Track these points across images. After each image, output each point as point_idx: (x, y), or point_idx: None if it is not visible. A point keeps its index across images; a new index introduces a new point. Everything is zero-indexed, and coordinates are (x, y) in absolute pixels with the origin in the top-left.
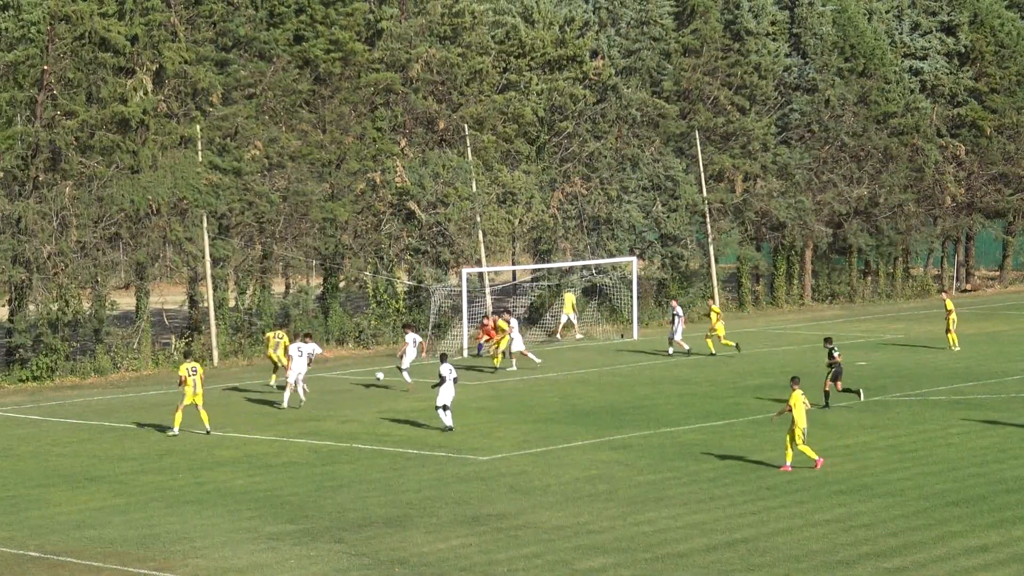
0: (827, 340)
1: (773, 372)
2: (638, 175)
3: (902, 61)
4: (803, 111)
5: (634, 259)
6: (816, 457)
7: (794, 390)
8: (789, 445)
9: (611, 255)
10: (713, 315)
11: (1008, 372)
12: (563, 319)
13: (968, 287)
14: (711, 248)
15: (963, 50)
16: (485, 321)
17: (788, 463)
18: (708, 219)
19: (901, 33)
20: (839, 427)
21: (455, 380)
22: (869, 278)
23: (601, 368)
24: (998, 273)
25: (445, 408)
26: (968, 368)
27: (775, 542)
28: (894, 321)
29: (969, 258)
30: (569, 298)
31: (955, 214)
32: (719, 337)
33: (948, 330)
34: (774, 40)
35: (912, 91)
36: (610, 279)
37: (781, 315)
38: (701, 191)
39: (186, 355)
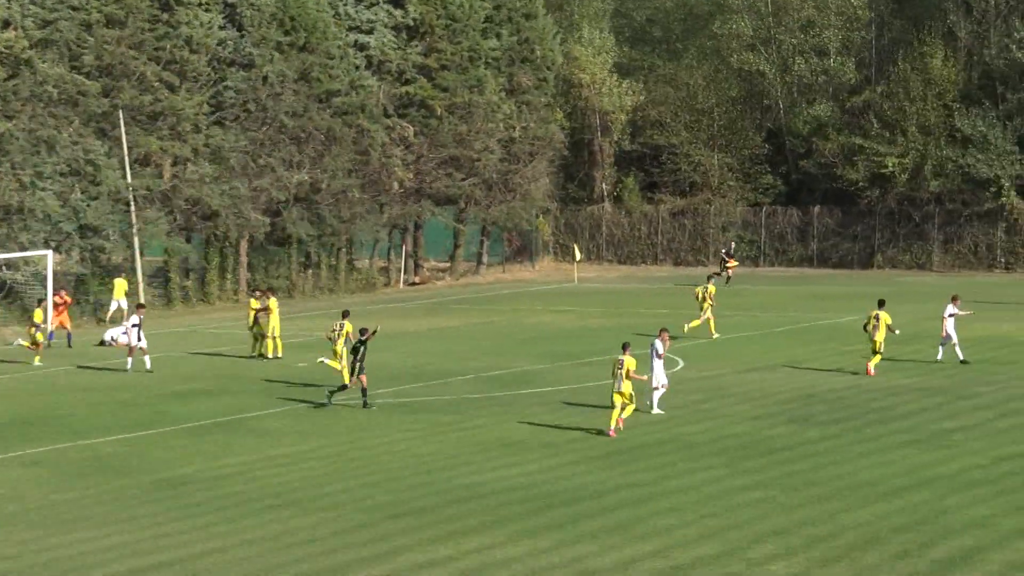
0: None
1: (203, 376)
2: (54, 159)
3: (347, 35)
4: (239, 89)
5: (49, 252)
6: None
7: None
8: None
9: (23, 248)
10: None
11: (457, 372)
12: (113, 306)
13: (417, 280)
14: (136, 239)
15: (412, 23)
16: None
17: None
18: (133, 207)
19: (346, 4)
20: (272, 435)
21: None
22: (310, 271)
23: (12, 375)
24: (449, 264)
25: None
26: (415, 367)
27: (205, 563)
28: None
29: (418, 248)
30: (121, 284)
31: (403, 201)
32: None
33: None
34: (207, 11)
35: (357, 67)
36: (22, 275)
37: (214, 312)
38: (125, 177)
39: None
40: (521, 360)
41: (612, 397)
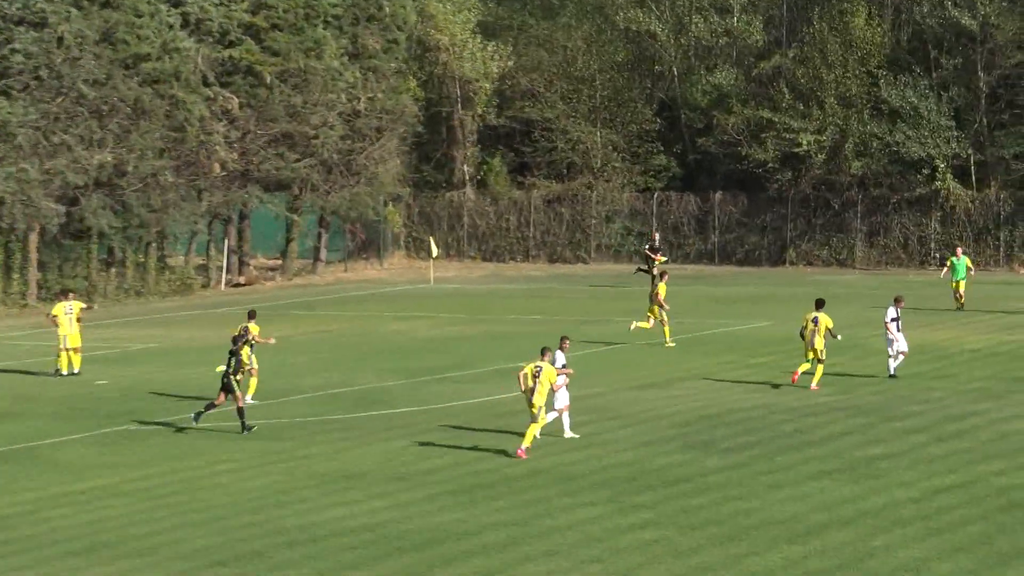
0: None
1: None
2: None
3: None
4: (28, 52)
5: None
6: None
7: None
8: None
9: None
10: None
11: (291, 390)
12: None
13: (242, 280)
14: None
15: None
16: None
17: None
18: None
19: None
20: (73, 467)
21: None
22: (114, 270)
23: None
24: (280, 262)
25: None
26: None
27: None
28: (146, 326)
29: (243, 243)
30: None
31: (226, 186)
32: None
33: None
34: None
35: (171, 27)
36: None
37: None
38: None
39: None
40: (367, 376)
41: (530, 411)
